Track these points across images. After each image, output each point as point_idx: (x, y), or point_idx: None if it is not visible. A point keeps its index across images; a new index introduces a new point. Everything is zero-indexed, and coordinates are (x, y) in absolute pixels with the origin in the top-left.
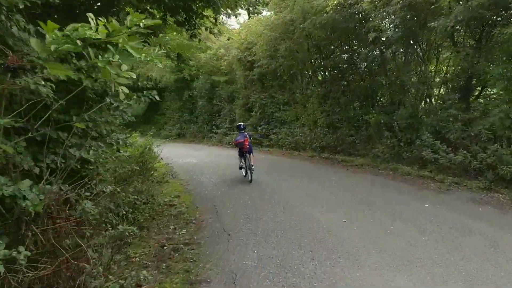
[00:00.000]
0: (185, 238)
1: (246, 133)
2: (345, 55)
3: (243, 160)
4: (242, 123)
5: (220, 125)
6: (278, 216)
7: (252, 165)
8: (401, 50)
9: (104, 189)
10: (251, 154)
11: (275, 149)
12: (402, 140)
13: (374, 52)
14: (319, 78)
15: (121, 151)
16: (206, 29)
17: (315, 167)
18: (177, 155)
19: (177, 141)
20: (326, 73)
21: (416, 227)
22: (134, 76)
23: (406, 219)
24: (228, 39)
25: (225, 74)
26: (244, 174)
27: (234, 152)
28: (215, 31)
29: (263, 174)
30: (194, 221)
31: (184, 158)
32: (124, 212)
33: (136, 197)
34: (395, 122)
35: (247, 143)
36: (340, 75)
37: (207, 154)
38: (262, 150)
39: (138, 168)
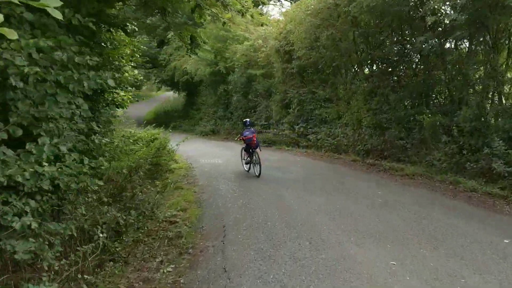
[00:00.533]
0: (168, 280)
1: (253, 129)
2: (396, 46)
3: (249, 156)
4: (248, 119)
5: (256, 122)
6: (302, 251)
7: (260, 161)
8: (466, 38)
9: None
10: (258, 148)
11: (313, 150)
12: (464, 146)
13: (431, 41)
14: (365, 71)
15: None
16: (241, 14)
17: (358, 176)
18: (204, 153)
19: (211, 138)
20: (374, 66)
21: (500, 281)
22: None
23: (485, 267)
24: (262, 25)
25: (262, 67)
26: (248, 169)
27: (262, 155)
28: (248, 16)
29: (294, 184)
30: (190, 250)
31: (211, 157)
32: (101, 235)
33: (124, 214)
34: (455, 125)
35: (255, 139)
36: (389, 69)
37: (236, 153)
38: (299, 151)
39: (141, 173)
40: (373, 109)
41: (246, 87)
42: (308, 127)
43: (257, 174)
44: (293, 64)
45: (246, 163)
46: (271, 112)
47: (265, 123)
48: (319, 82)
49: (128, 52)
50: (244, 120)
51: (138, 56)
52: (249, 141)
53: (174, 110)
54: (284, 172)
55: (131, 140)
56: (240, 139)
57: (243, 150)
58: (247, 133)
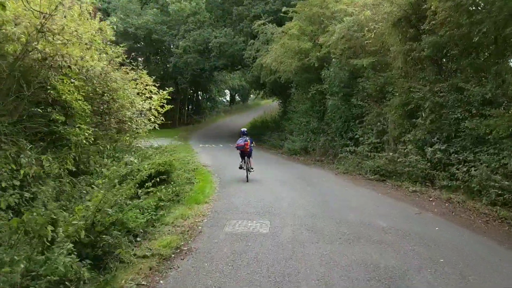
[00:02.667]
0: None
1: (247, 138)
2: None
3: (242, 162)
4: (245, 129)
5: (361, 138)
6: None
7: (252, 168)
8: None
9: None
10: (251, 158)
11: (464, 197)
12: None
13: None
14: None
15: None
16: None
17: None
18: (261, 198)
19: (300, 160)
20: None
21: None
22: None
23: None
24: None
25: (371, 54)
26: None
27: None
28: None
29: None
30: None
31: (260, 214)
32: None
33: None
34: None
35: (247, 147)
36: None
37: (315, 202)
38: (434, 197)
39: None
40: None
41: (348, 86)
42: (451, 150)
43: (246, 180)
44: (423, 42)
45: (239, 168)
46: (385, 124)
47: (377, 141)
48: (471, 72)
49: None
50: (241, 130)
51: None
52: (241, 148)
53: (272, 121)
54: None
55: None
56: (235, 147)
57: (240, 156)
58: (240, 141)
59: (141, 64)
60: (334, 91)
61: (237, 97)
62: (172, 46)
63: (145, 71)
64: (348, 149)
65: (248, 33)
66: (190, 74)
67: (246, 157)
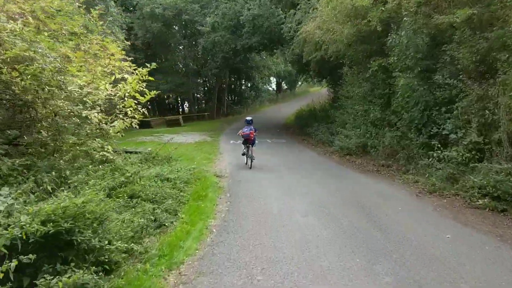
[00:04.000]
0: None
1: (252, 127)
2: None
3: (246, 149)
4: (250, 118)
5: (452, 135)
6: None
7: (253, 157)
8: None
9: None
10: (254, 146)
11: None
12: None
13: None
14: None
15: None
16: None
17: None
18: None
19: (354, 166)
20: None
21: None
22: None
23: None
24: None
25: (464, 3)
26: (246, 161)
27: None
28: None
29: None
30: None
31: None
32: None
33: None
34: None
35: (252, 136)
36: None
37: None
38: None
39: None
40: None
41: (428, 57)
42: None
43: (249, 167)
44: None
45: (243, 154)
46: (495, 113)
47: (480, 140)
48: None
49: None
50: (246, 118)
51: None
52: (246, 137)
53: (321, 109)
54: None
55: None
56: (239, 134)
57: (242, 144)
58: (246, 129)
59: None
60: (407, 65)
61: (284, 84)
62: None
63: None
64: (433, 154)
65: (288, 2)
66: (220, 57)
67: (250, 145)
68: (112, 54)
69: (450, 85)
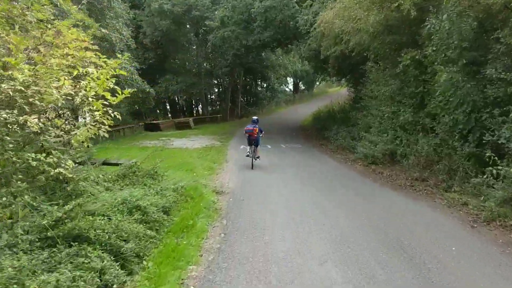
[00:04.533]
0: None
1: (257, 125)
2: None
3: (250, 150)
4: (256, 117)
5: (509, 144)
6: None
7: (257, 156)
8: None
9: None
10: (258, 147)
11: None
12: None
13: None
14: None
15: None
16: None
17: None
18: None
19: (381, 177)
20: None
21: None
22: None
23: None
24: None
25: None
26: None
27: None
28: None
29: None
30: None
31: None
32: None
33: None
34: None
35: (255, 133)
36: None
37: None
38: None
39: None
40: None
41: (476, 47)
42: None
43: (251, 167)
44: None
45: (247, 156)
46: None
47: None
48: None
49: None
50: (253, 118)
51: None
52: (249, 132)
53: (340, 111)
54: None
55: None
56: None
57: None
58: (249, 126)
59: None
60: (448, 57)
61: (301, 85)
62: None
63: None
64: (490, 169)
65: None
66: (231, 55)
67: (253, 146)
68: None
69: (506, 81)
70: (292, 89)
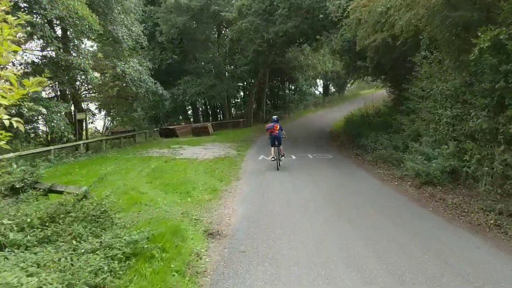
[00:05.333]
0: None
1: (278, 124)
2: None
3: (274, 152)
4: (276, 116)
5: None
6: None
7: (282, 155)
8: None
9: None
10: (281, 146)
11: None
12: None
13: None
14: None
15: None
16: None
17: None
18: None
19: (443, 204)
20: None
21: None
22: None
23: None
24: None
25: None
26: (277, 166)
27: None
28: None
29: None
30: None
31: None
32: None
33: None
34: None
35: (276, 129)
36: None
37: None
38: None
39: None
40: None
41: None
42: None
43: (277, 168)
44: None
45: (272, 160)
46: None
47: None
48: None
49: None
50: (273, 117)
51: None
52: (270, 128)
53: (377, 114)
54: None
55: None
56: (267, 132)
57: (270, 146)
58: (270, 124)
59: None
60: None
61: (331, 87)
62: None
63: None
64: None
65: None
66: (251, 51)
67: (277, 147)
68: None
69: None
70: (322, 92)
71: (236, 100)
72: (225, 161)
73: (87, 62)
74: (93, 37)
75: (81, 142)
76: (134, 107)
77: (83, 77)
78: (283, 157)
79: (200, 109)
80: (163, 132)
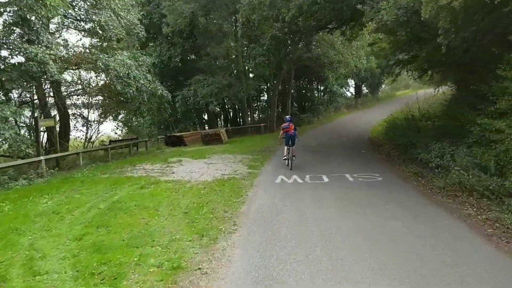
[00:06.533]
0: None
1: (292, 124)
2: None
3: (287, 153)
4: (289, 116)
5: None
6: None
7: (293, 156)
8: None
9: None
10: (293, 147)
11: None
12: None
13: None
14: None
15: None
16: None
17: None
18: None
19: None
20: None
21: None
22: None
23: None
24: None
25: None
26: (288, 164)
27: None
28: None
29: None
30: None
31: None
32: None
33: None
34: None
35: (292, 128)
36: None
37: None
38: None
39: None
40: None
41: None
42: None
43: (290, 167)
44: None
45: (284, 159)
46: None
47: None
48: None
49: None
50: (286, 117)
51: None
52: (286, 128)
53: (431, 116)
54: None
55: None
56: (281, 131)
57: (284, 145)
58: (286, 124)
59: None
60: None
61: (364, 87)
62: None
63: None
64: None
65: None
66: (268, 37)
67: (290, 147)
68: None
69: None
70: (353, 93)
71: (259, 103)
72: (226, 186)
73: (47, 52)
74: (50, 15)
75: (42, 157)
76: (138, 111)
77: (49, 73)
78: (294, 157)
79: (216, 112)
80: (169, 140)
